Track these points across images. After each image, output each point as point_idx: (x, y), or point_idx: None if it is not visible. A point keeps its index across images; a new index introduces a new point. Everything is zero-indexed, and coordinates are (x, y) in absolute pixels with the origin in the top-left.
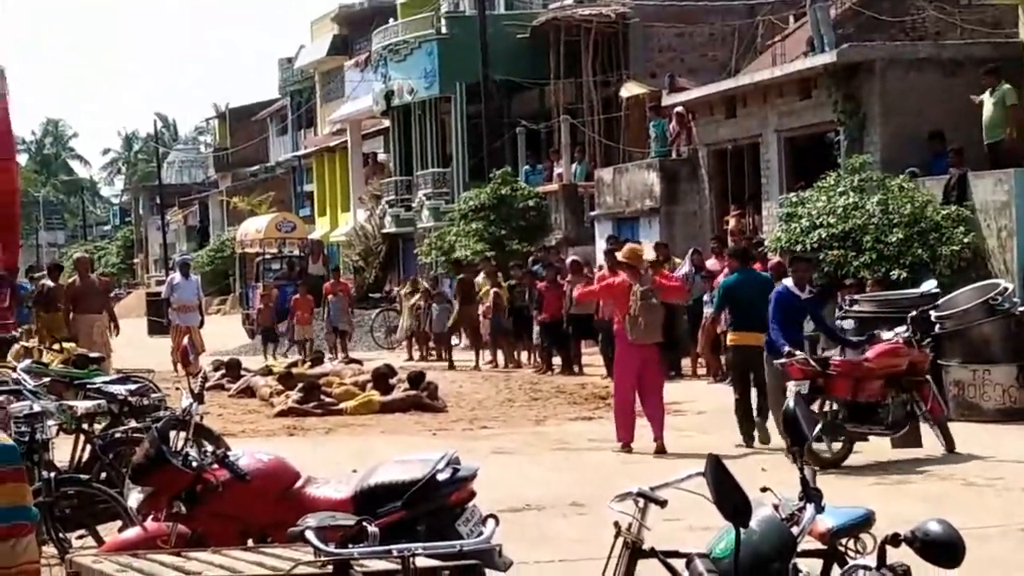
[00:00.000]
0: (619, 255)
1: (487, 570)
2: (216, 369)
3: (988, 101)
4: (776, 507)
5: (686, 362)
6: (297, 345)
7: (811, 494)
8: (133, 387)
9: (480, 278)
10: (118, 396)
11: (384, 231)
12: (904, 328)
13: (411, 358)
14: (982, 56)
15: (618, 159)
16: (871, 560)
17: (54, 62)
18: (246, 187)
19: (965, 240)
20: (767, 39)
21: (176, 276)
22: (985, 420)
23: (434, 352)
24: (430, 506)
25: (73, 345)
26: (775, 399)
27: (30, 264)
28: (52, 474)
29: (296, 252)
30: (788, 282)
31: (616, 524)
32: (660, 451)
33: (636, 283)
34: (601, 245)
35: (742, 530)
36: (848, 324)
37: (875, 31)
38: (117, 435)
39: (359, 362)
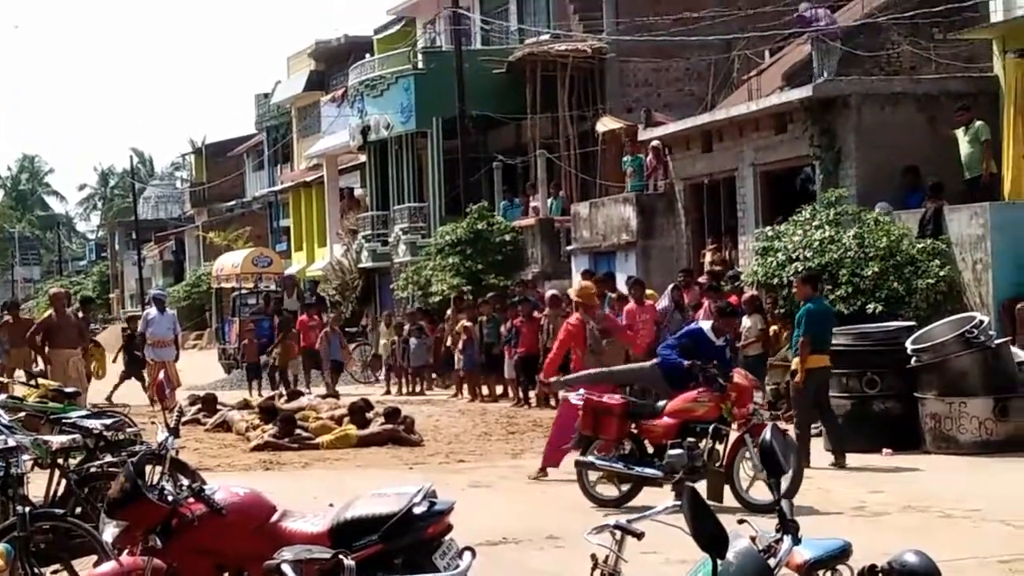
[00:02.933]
0: (572, 294)
1: None
2: (192, 403)
3: (963, 139)
4: (753, 539)
5: None
6: (282, 379)
7: (788, 525)
8: (108, 422)
9: (451, 312)
10: (93, 431)
11: (360, 265)
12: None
13: (388, 392)
14: (957, 90)
15: (594, 193)
16: None
17: (30, 98)
18: (222, 222)
19: (941, 273)
20: (743, 73)
21: (152, 311)
22: (961, 452)
23: (411, 385)
24: (407, 539)
25: (47, 381)
26: None
27: (4, 300)
28: (27, 509)
29: (272, 287)
30: (706, 325)
31: (593, 556)
32: None
33: (591, 321)
34: (577, 279)
35: (719, 562)
36: None
37: (850, 66)
38: (92, 469)
39: (336, 396)
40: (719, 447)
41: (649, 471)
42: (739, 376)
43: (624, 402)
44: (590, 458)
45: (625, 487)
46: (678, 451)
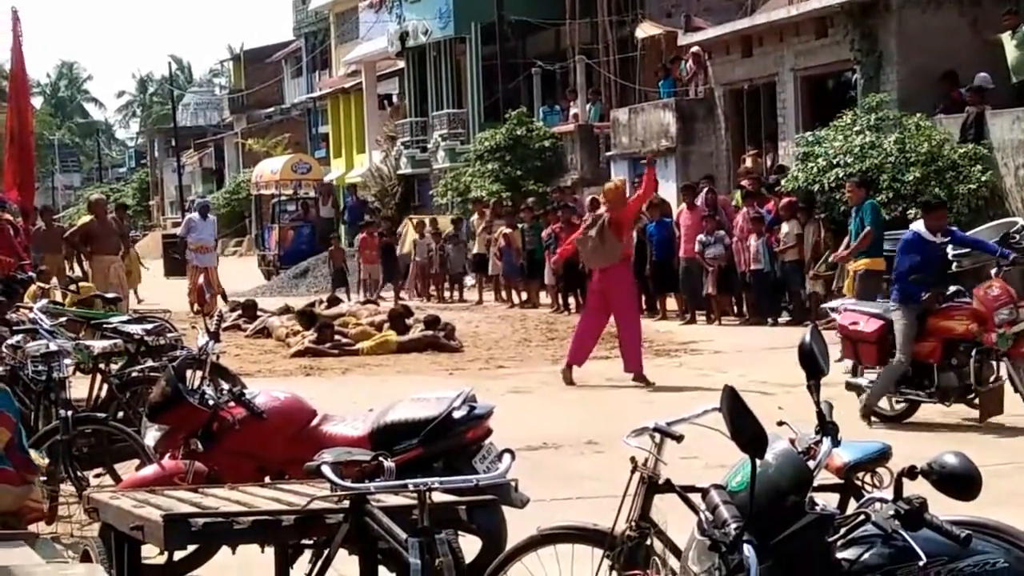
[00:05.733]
0: (601, 195)
1: (503, 507)
2: (232, 310)
3: (1010, 43)
4: (792, 441)
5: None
6: (364, 285)
7: (827, 428)
8: (149, 327)
9: (487, 216)
10: (135, 335)
11: (400, 172)
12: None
13: (428, 299)
14: None
15: (633, 99)
16: (887, 493)
17: (68, 4)
18: (261, 129)
19: (982, 178)
20: None
21: (195, 216)
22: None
23: (448, 292)
24: (446, 443)
25: (89, 285)
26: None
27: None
28: (69, 413)
29: (312, 193)
30: (920, 227)
31: (632, 460)
32: (639, 380)
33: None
34: None
35: (758, 463)
36: None
37: None
38: (134, 374)
39: (375, 302)
40: (987, 364)
41: (922, 393)
42: (979, 296)
43: (880, 328)
44: (860, 381)
45: (900, 405)
46: (947, 374)
